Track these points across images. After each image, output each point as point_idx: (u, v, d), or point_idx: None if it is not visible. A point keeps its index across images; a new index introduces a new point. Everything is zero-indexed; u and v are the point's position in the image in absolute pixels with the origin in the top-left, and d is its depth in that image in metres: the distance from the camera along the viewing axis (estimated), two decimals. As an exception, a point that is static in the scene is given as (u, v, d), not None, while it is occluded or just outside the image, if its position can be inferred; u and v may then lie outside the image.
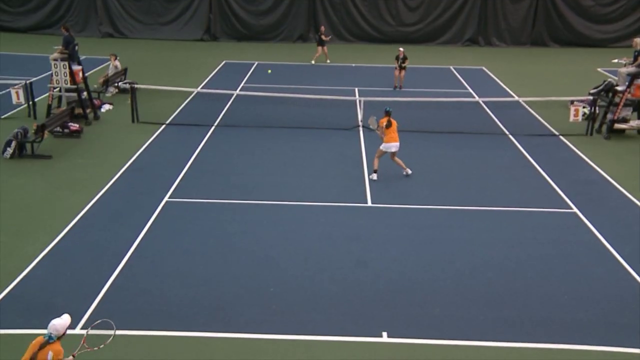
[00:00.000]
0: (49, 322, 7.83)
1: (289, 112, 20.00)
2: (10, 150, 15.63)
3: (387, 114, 14.49)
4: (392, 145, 14.49)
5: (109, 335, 7.14)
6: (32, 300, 9.63)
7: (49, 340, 6.61)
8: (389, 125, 14.39)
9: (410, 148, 15.80)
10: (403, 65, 23.97)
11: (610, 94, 19.46)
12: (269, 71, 25.71)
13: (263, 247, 11.45)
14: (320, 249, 11.45)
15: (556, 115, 20.06)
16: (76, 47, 18.68)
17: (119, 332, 8.80)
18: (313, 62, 29.30)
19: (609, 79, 22.11)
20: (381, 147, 14.59)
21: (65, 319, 6.80)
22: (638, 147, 17.49)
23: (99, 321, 7.37)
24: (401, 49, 24.30)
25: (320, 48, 29.33)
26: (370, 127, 15.20)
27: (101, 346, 7.09)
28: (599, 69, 28.17)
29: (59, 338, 6.69)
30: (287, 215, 12.81)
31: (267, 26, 35.10)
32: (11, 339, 8.73)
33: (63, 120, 17.55)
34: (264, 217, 12.69)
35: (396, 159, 14.71)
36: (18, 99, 18.94)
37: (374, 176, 14.60)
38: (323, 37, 29.45)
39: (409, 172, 14.83)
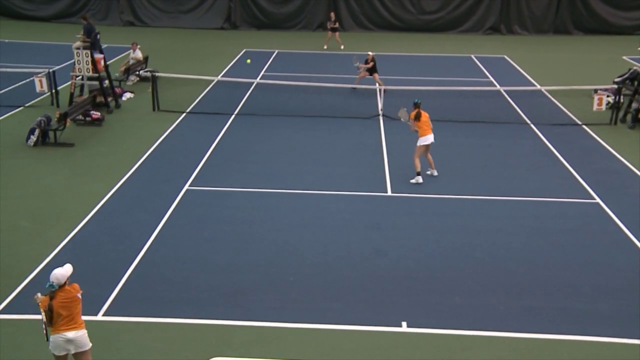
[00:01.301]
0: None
1: (308, 100, 19.97)
2: (33, 138, 15.82)
3: (416, 106, 13.97)
4: (427, 139, 13.80)
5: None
6: (55, 286, 9.76)
7: (52, 288, 6.89)
8: (417, 117, 13.81)
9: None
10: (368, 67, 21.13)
11: (636, 83, 19.17)
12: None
13: (282, 235, 11.49)
14: (339, 237, 11.46)
15: (579, 104, 19.81)
16: (98, 36, 18.80)
17: (140, 319, 8.94)
18: (326, 47, 30.05)
19: (635, 67, 21.73)
20: (418, 144, 13.90)
21: (66, 268, 7.06)
22: (663, 136, 17.23)
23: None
24: (370, 53, 21.51)
25: (330, 33, 30.03)
26: (402, 119, 14.57)
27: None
28: (624, 57, 27.72)
29: (62, 286, 6.97)
30: (306, 204, 12.83)
31: (287, 14, 35.01)
32: (35, 324, 8.85)
33: (85, 108, 17.71)
34: (284, 205, 12.72)
35: (429, 155, 14.13)
36: (41, 87, 19.12)
37: (419, 179, 13.75)
38: (328, 24, 30.46)
39: (435, 173, 14.17)
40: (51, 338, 7.05)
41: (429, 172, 14.21)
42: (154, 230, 11.52)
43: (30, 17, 35.39)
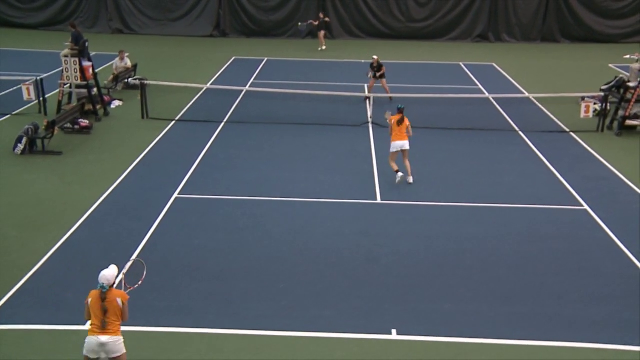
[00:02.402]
0: (60, 317, 7.90)
1: (298, 108, 19.99)
2: (21, 147, 15.72)
3: (400, 111, 14.07)
4: (397, 144, 13.96)
5: (142, 272, 7.68)
6: (43, 295, 9.68)
7: (104, 289, 7.01)
8: (400, 122, 13.94)
9: (420, 144, 15.74)
10: (379, 74, 21.11)
11: (622, 90, 19.34)
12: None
13: (273, 243, 11.47)
14: (330, 244, 11.45)
15: (567, 111, 19.95)
16: (86, 44, 18.74)
17: (131, 328, 8.88)
18: (322, 47, 31.08)
19: (621, 75, 21.94)
20: (391, 150, 14.16)
21: (112, 269, 7.20)
22: (650, 143, 17.38)
23: (130, 262, 7.77)
24: (375, 56, 21.46)
25: (319, 33, 31.28)
26: (388, 121, 14.63)
27: (140, 283, 7.60)
28: (610, 65, 27.98)
29: (111, 287, 7.10)
30: (297, 211, 12.82)
31: (276, 22, 35.10)
32: (23, 333, 8.78)
33: (73, 116, 17.63)
34: (274, 213, 12.70)
35: (407, 162, 14.13)
36: (29, 95, 19.00)
37: (399, 175, 13.94)
38: (312, 22, 31.61)
39: (410, 180, 14.07)
40: (86, 339, 7.11)
41: (399, 178, 14.00)
42: (143, 239, 11.46)
43: (19, 24, 35.26)
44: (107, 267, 7.20)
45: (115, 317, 7.10)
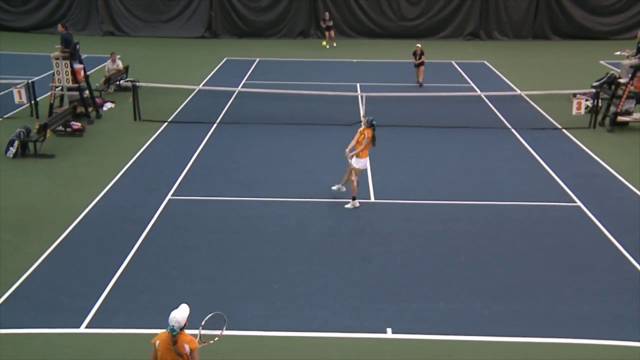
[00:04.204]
0: (54, 321, 7.85)
1: (291, 108, 19.98)
2: (13, 150, 15.65)
3: (373, 127, 12.74)
4: (364, 162, 12.86)
5: (223, 325, 7.01)
6: (37, 299, 9.65)
7: (174, 332, 6.46)
8: (374, 140, 12.78)
9: (412, 142, 15.78)
10: (418, 61, 23.56)
11: (613, 87, 19.42)
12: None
13: (267, 243, 11.46)
14: (324, 244, 11.46)
15: (559, 108, 20.01)
16: (77, 46, 18.67)
17: (125, 330, 8.86)
18: (328, 46, 32.07)
19: (612, 72, 22.02)
20: (358, 166, 12.79)
21: (184, 310, 6.59)
22: (641, 139, 17.46)
23: (210, 315, 7.03)
24: (419, 45, 24.01)
25: (327, 32, 32.08)
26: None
27: (216, 339, 6.93)
28: (601, 62, 28.08)
29: (182, 329, 6.53)
30: (290, 211, 12.81)
31: (268, 23, 35.06)
32: (17, 337, 8.75)
33: (65, 119, 17.56)
34: (267, 213, 12.69)
35: (353, 178, 12.78)
36: (20, 98, 18.93)
37: (340, 188, 13.14)
38: (322, 23, 32.32)
39: (343, 189, 13.15)
40: None
41: (337, 187, 13.30)
42: (137, 240, 11.43)
43: (9, 27, 35.07)
44: (177, 308, 6.61)
45: None
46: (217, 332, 6.96)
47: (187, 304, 6.64)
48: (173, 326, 6.44)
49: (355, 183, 12.81)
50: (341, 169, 15.03)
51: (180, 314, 6.52)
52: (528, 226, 12.25)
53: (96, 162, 15.50)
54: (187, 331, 6.58)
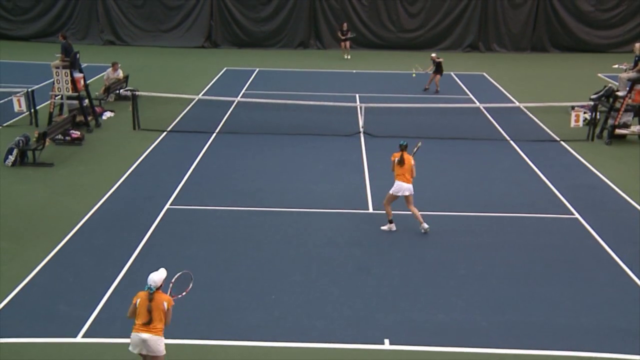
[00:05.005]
0: (51, 330, 7.80)
1: (290, 118, 20.02)
2: (12, 158, 15.66)
3: (401, 148, 12.12)
4: (400, 187, 11.99)
5: (189, 282, 8.09)
6: (34, 307, 9.63)
7: (151, 291, 7.44)
8: (401, 162, 11.97)
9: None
10: (430, 69, 24.46)
11: (611, 100, 19.49)
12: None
13: (265, 253, 11.46)
14: (322, 254, 11.45)
15: (557, 120, 20.07)
16: (77, 55, 18.74)
17: (122, 340, 8.84)
18: (349, 57, 31.95)
19: (610, 85, 22.11)
20: (390, 191, 12.19)
21: (161, 272, 7.62)
22: (639, 152, 17.49)
23: (179, 273, 8.16)
24: (433, 54, 25.00)
25: (342, 44, 32.13)
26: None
27: (184, 293, 7.97)
28: (599, 75, 28.19)
29: (158, 288, 7.50)
30: (289, 221, 12.81)
31: (267, 33, 35.17)
32: (14, 347, 8.72)
33: (64, 127, 17.58)
34: (266, 223, 12.69)
35: (412, 207, 12.19)
36: (20, 106, 18.96)
37: (392, 227, 12.34)
38: (339, 34, 32.24)
39: (426, 227, 12.21)
40: (131, 335, 7.57)
41: (421, 229, 12.32)
42: (135, 250, 11.43)
43: (9, 36, 35.16)
44: (156, 270, 7.61)
45: (159, 319, 7.50)
46: (186, 288, 8.06)
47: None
48: (150, 286, 7.45)
49: (386, 207, 12.40)
50: (339, 179, 15.09)
51: (157, 275, 7.55)
52: (526, 238, 12.26)
53: (95, 170, 15.51)
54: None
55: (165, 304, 7.51)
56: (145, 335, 7.47)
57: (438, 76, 24.35)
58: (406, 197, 12.11)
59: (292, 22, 35.06)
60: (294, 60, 31.63)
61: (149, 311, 7.42)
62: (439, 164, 16.36)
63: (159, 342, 7.53)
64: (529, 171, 15.95)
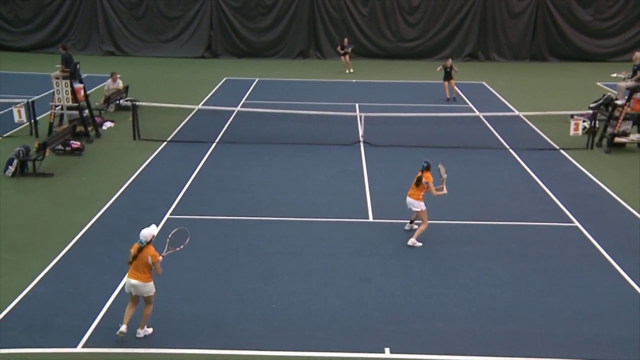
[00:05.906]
0: (51, 340, 7.77)
1: (290, 128, 20.06)
2: (12, 169, 15.67)
3: (422, 169, 12.16)
4: (406, 201, 12.25)
5: (185, 238, 9.14)
6: (34, 319, 9.61)
7: (142, 244, 8.72)
8: (416, 182, 12.13)
9: (411, 163, 15.68)
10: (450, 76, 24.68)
11: (610, 108, 19.53)
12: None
13: (265, 263, 11.45)
14: (323, 264, 11.44)
15: (556, 129, 20.11)
16: (77, 66, 18.79)
17: (123, 350, 8.83)
18: (351, 70, 31.12)
19: (609, 93, 22.17)
20: None
21: (151, 228, 8.88)
22: (638, 160, 17.51)
23: (176, 230, 9.24)
24: (449, 60, 25.63)
25: (342, 58, 31.33)
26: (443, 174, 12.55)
27: (181, 246, 9.11)
28: (598, 83, 28.25)
29: (148, 243, 8.75)
30: (289, 231, 12.81)
31: (267, 43, 35.29)
32: (13, 358, 8.70)
33: (65, 138, 17.61)
34: (266, 233, 12.69)
35: (418, 223, 12.50)
36: (20, 117, 19.00)
37: (412, 226, 12.73)
38: (339, 49, 31.59)
39: (417, 244, 12.19)
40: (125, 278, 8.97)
41: (409, 242, 12.28)
42: (135, 260, 11.40)
43: (10, 47, 35.27)
44: (147, 226, 8.82)
45: (144, 269, 8.76)
46: (184, 242, 9.12)
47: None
48: (141, 240, 8.73)
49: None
50: (340, 189, 15.09)
51: (147, 230, 8.79)
52: (526, 246, 12.25)
53: (95, 181, 15.52)
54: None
55: (150, 258, 8.70)
56: (133, 281, 8.80)
57: (452, 81, 24.72)
58: (415, 211, 12.21)
59: (291, 32, 35.18)
60: (294, 70, 31.72)
61: (139, 260, 8.70)
62: (438, 173, 16.31)
63: (146, 286, 8.83)
64: (528, 180, 15.96)
